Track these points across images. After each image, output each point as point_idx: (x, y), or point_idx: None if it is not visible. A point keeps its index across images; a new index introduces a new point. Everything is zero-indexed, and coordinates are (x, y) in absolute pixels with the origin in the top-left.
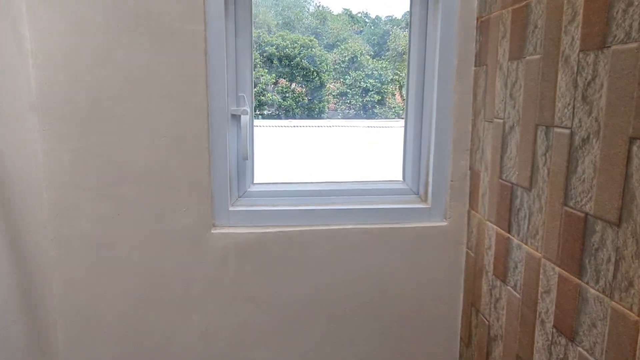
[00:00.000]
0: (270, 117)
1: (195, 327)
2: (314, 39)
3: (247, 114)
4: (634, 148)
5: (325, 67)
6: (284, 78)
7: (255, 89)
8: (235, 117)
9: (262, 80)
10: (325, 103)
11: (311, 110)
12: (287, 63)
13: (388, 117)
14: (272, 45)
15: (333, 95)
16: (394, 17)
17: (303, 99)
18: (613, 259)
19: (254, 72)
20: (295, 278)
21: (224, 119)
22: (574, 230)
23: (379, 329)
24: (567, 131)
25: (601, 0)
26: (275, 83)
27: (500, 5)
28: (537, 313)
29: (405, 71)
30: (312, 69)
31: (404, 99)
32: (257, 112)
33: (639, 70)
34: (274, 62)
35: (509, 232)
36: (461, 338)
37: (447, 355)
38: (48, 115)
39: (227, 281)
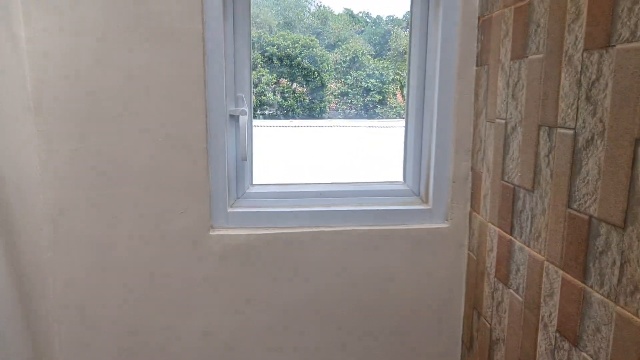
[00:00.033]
0: (271, 117)
1: (194, 329)
2: (315, 39)
3: (245, 114)
4: None
5: (327, 67)
6: (285, 78)
7: (257, 89)
8: (234, 118)
9: (263, 80)
10: (327, 103)
11: (312, 110)
12: (289, 63)
13: (389, 117)
14: (273, 45)
15: (334, 95)
16: (395, 17)
17: (304, 99)
18: (618, 263)
19: (255, 72)
20: (294, 280)
21: (222, 120)
22: (578, 233)
23: (378, 332)
24: (570, 132)
25: None
26: (277, 83)
27: (502, 4)
28: (540, 317)
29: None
30: (313, 69)
31: (405, 99)
32: (259, 112)
33: None
34: (275, 62)
35: (511, 234)
36: (462, 341)
37: (448, 358)
38: (45, 116)
39: (225, 283)
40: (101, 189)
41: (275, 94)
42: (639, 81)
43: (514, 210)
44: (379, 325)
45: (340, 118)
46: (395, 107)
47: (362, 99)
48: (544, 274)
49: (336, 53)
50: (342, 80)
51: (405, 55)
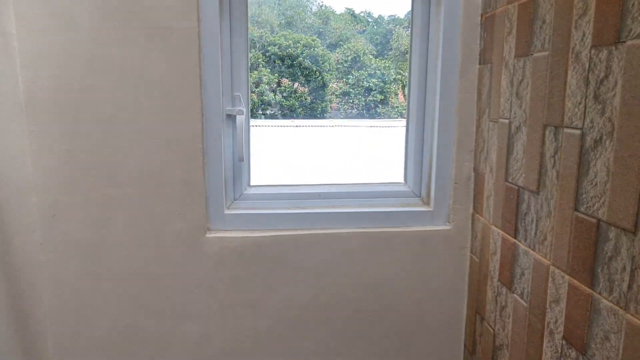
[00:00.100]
0: (272, 117)
1: (190, 333)
2: (317, 39)
3: (242, 113)
4: None
5: (328, 66)
6: (287, 78)
7: (258, 89)
8: (231, 117)
9: (264, 80)
10: (328, 103)
11: (313, 110)
12: (290, 63)
13: (391, 116)
14: (274, 45)
15: (336, 95)
16: (396, 17)
17: (305, 99)
18: (628, 269)
19: (256, 72)
20: (292, 283)
21: (218, 119)
22: (586, 237)
23: (379, 337)
24: (577, 132)
25: None
26: (278, 83)
27: (505, 0)
28: (546, 323)
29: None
30: (315, 69)
31: (406, 99)
32: (260, 112)
33: None
34: (277, 61)
35: (515, 237)
36: (465, 346)
37: None
38: (36, 116)
39: (222, 287)
40: (94, 190)
41: (276, 94)
42: None
43: (518, 212)
44: (379, 330)
45: (341, 118)
46: (397, 106)
47: (363, 99)
48: (550, 279)
49: (338, 53)
50: (344, 80)
51: (406, 55)
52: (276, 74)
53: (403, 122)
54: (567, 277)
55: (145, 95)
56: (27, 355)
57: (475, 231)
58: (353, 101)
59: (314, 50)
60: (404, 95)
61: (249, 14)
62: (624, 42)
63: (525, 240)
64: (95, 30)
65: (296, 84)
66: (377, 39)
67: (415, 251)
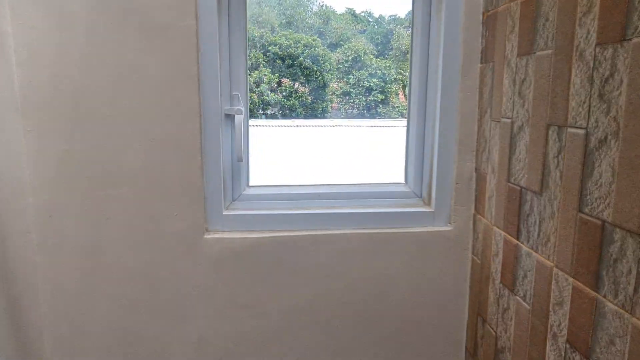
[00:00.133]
0: (273, 116)
1: (189, 335)
2: (317, 39)
3: (241, 113)
4: None
5: (329, 66)
6: (287, 77)
7: (258, 89)
8: (229, 117)
9: (265, 79)
10: (329, 102)
11: (314, 110)
12: (291, 62)
13: (392, 116)
14: (275, 45)
15: (336, 95)
16: (397, 17)
17: (306, 99)
18: (634, 272)
19: (257, 72)
20: (292, 285)
21: (217, 119)
22: (590, 239)
23: (379, 339)
24: (581, 131)
25: None
26: (279, 82)
27: None
28: (549, 326)
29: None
30: (315, 69)
31: (407, 98)
32: (260, 112)
33: None
34: (277, 61)
35: (517, 238)
36: (466, 348)
37: None
38: (32, 116)
39: (221, 288)
40: (91, 191)
41: (277, 94)
42: None
43: (520, 213)
44: (379, 331)
45: (342, 118)
46: (397, 106)
47: (364, 99)
48: (553, 281)
49: (338, 53)
50: (344, 79)
51: (407, 55)
52: (277, 74)
53: (404, 122)
54: (571, 279)
55: (142, 95)
56: (24, 356)
57: (477, 232)
58: (354, 101)
59: (314, 50)
60: (405, 95)
61: (248, 13)
62: (630, 39)
63: (528, 241)
64: (92, 28)
65: (297, 84)
66: (377, 38)
67: (416, 252)
